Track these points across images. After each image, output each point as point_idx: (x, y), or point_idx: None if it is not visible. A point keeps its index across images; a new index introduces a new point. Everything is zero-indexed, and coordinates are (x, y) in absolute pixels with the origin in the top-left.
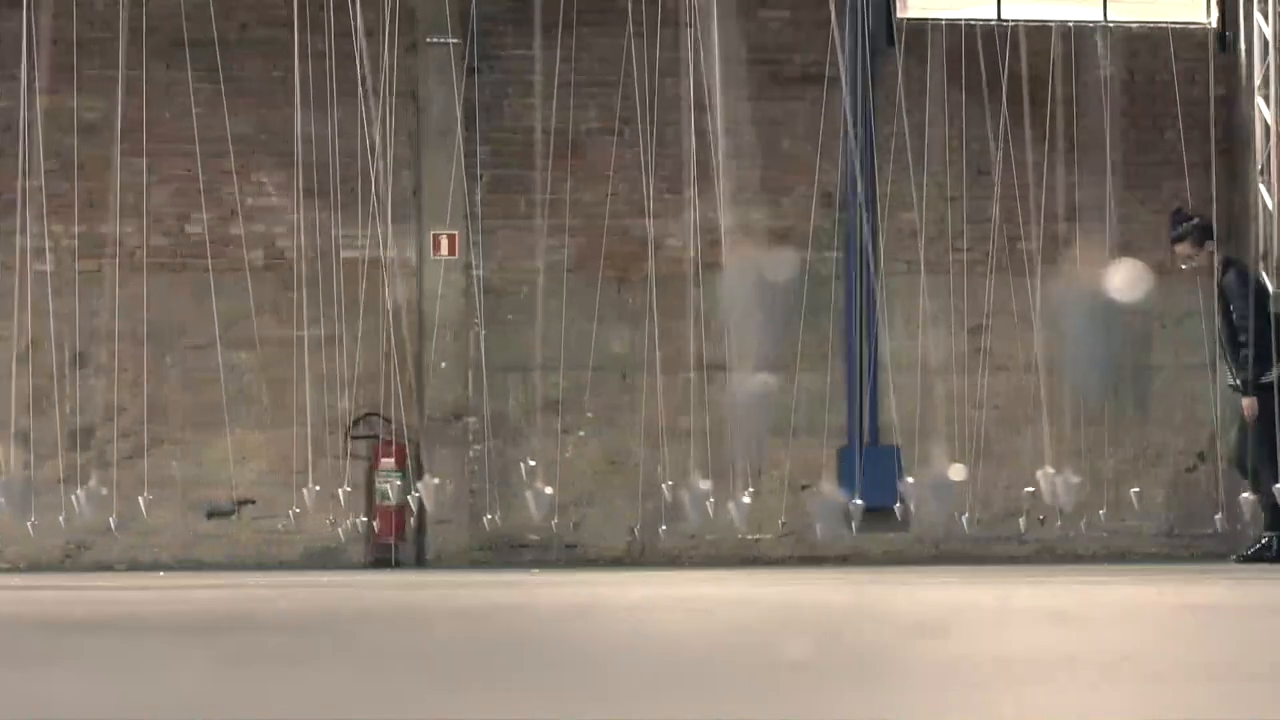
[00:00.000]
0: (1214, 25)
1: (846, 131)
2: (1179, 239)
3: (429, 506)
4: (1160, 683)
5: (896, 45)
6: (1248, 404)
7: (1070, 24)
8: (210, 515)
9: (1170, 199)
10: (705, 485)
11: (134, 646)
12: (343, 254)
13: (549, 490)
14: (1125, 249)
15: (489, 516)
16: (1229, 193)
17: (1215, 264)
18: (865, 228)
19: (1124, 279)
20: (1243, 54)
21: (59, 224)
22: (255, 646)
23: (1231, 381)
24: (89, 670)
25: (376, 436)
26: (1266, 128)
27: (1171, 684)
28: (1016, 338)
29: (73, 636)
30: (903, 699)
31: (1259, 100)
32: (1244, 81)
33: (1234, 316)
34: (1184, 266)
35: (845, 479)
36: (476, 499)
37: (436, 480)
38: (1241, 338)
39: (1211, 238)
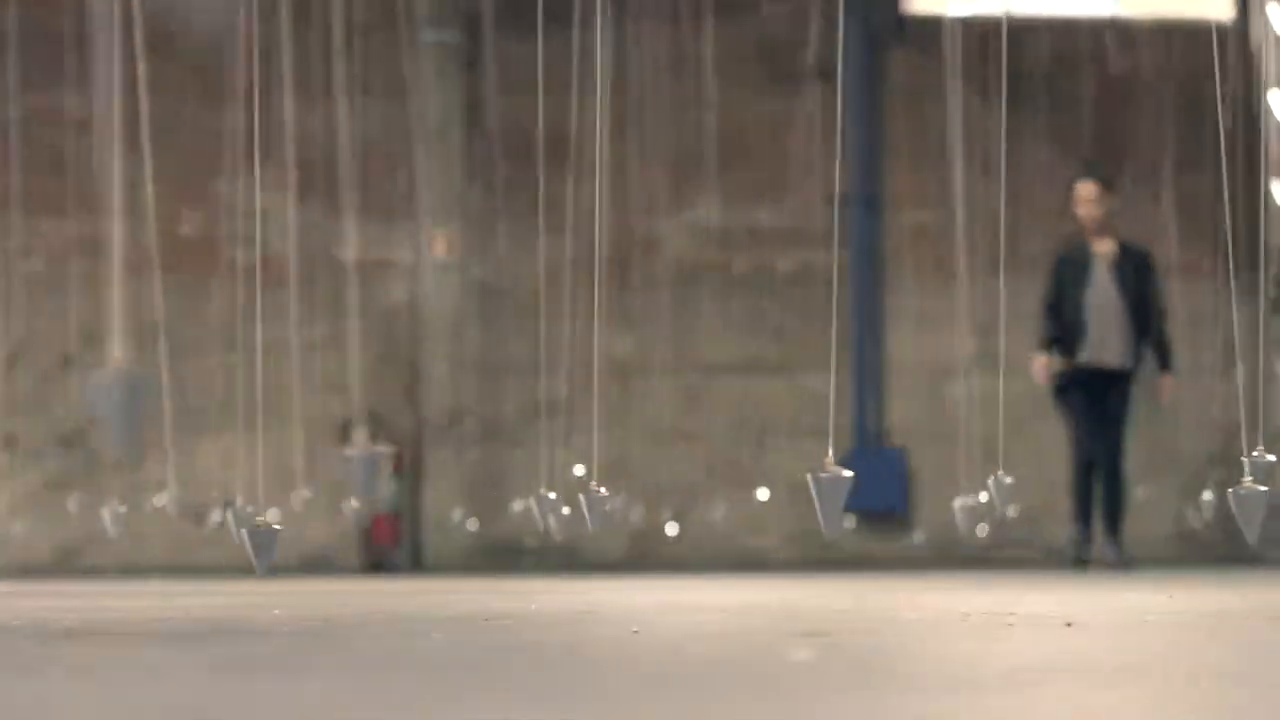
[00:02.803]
0: (1228, 21)
1: (849, 128)
2: (1096, 178)
3: (426, 511)
4: (1170, 690)
5: (904, 40)
6: (1171, 383)
7: (1080, 19)
8: (202, 520)
9: (1182, 196)
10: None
11: (126, 653)
12: (338, 254)
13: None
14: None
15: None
16: (1242, 191)
17: (1105, 233)
18: (871, 227)
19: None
20: (1256, 50)
21: (47, 223)
22: (250, 653)
23: (1117, 364)
24: (81, 677)
25: (374, 440)
26: (1278, 125)
27: (1182, 691)
28: (1025, 339)
29: (64, 644)
30: (906, 704)
31: (1270, 97)
32: (1257, 78)
33: (1159, 294)
34: (1079, 211)
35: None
36: (474, 503)
37: (433, 486)
38: (1162, 322)
39: (1111, 193)
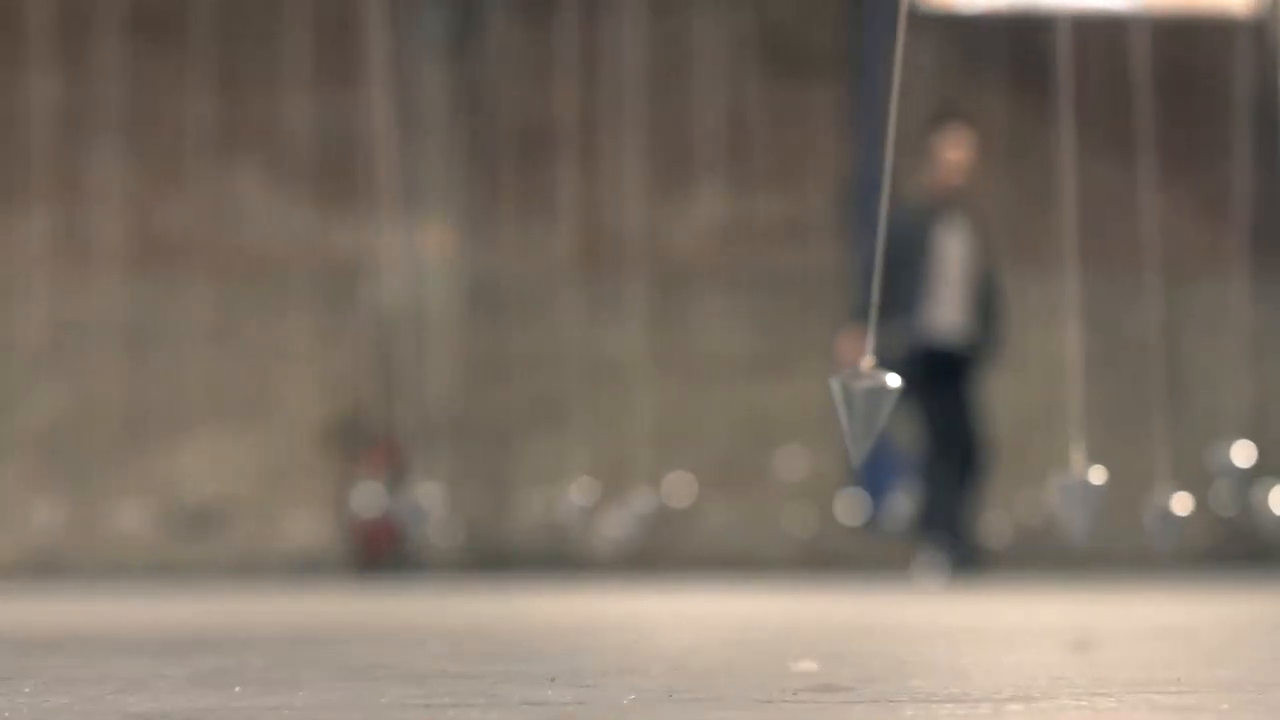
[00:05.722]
0: (1250, 13)
1: (856, 119)
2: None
3: (419, 515)
4: (1182, 701)
5: (907, 30)
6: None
7: (1101, 11)
8: (187, 524)
9: (1200, 191)
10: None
11: (105, 663)
12: (330, 249)
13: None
14: (1155, 242)
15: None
16: (1266, 184)
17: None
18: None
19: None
20: (1275, 44)
21: (25, 219)
22: (236, 663)
23: (948, 345)
24: (61, 689)
25: (365, 441)
26: None
27: (1193, 702)
28: (1040, 335)
29: (41, 652)
30: (912, 716)
31: None
32: (1277, 72)
33: (995, 269)
34: (948, 162)
35: (856, 484)
36: (469, 505)
37: (426, 488)
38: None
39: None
